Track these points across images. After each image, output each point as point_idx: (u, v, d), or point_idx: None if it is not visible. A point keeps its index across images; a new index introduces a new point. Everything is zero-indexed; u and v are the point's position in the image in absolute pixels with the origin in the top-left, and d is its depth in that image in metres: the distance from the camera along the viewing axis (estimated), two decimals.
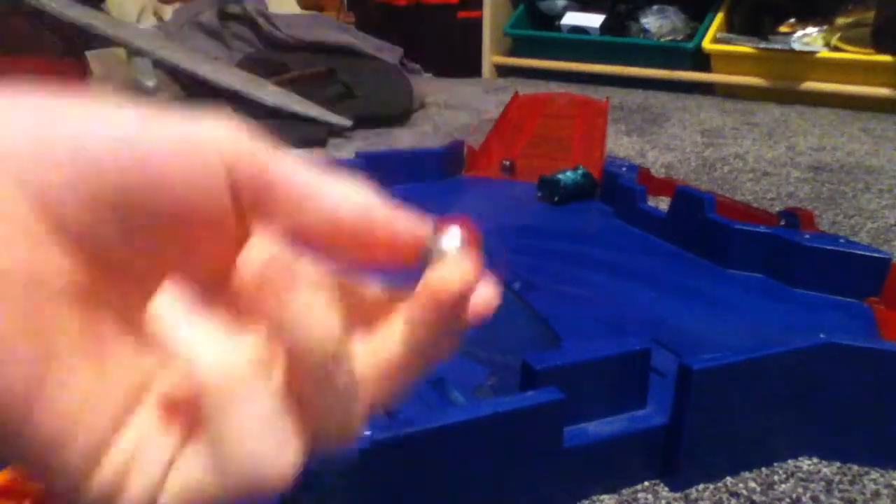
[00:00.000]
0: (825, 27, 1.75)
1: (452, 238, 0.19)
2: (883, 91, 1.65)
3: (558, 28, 2.11)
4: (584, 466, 0.43)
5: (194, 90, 1.43)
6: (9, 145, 0.16)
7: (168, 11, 1.97)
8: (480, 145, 1.08)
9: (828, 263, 0.66)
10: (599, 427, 0.44)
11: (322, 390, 0.17)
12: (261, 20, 1.78)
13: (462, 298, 0.19)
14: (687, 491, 0.45)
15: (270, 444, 0.16)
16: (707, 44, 1.84)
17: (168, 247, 0.17)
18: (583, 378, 0.43)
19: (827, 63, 1.70)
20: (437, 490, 0.38)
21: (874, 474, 0.47)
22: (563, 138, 1.02)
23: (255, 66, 1.61)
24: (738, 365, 0.44)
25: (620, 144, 1.36)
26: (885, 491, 0.45)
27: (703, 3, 1.95)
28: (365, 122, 1.46)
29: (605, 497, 0.44)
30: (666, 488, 0.45)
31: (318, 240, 0.18)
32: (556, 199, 0.92)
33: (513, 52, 2.25)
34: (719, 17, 1.89)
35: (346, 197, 0.18)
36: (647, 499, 0.44)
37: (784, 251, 0.69)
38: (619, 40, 2.01)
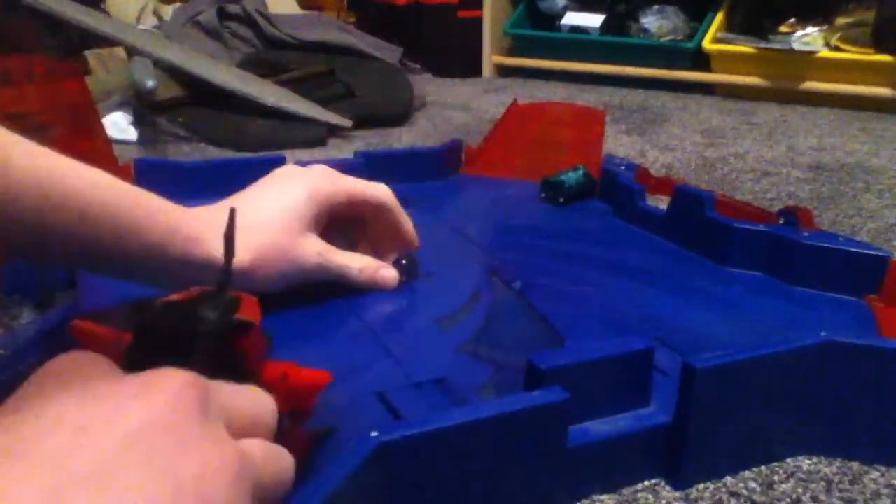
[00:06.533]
0: (825, 27, 1.75)
1: None
2: (883, 91, 1.65)
3: (558, 28, 2.11)
4: (587, 466, 0.43)
5: (194, 90, 1.43)
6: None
7: (168, 11, 1.97)
8: (479, 147, 1.07)
9: (827, 261, 0.66)
10: (602, 426, 0.44)
11: None
12: (260, 20, 1.78)
13: None
14: (687, 490, 0.45)
15: None
16: (707, 44, 1.84)
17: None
18: (587, 377, 0.43)
19: (827, 63, 1.70)
20: (438, 490, 0.38)
21: (874, 474, 0.47)
22: (560, 144, 1.02)
23: (255, 66, 1.61)
24: (742, 363, 0.44)
25: (620, 144, 1.36)
26: (885, 491, 0.45)
27: (703, 3, 1.95)
28: (365, 122, 1.46)
29: (605, 497, 0.44)
30: (667, 487, 0.45)
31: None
32: (561, 199, 0.92)
33: (513, 52, 2.25)
34: (719, 17, 1.89)
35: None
36: (647, 498, 0.44)
37: (784, 249, 0.69)
38: (619, 40, 2.01)
